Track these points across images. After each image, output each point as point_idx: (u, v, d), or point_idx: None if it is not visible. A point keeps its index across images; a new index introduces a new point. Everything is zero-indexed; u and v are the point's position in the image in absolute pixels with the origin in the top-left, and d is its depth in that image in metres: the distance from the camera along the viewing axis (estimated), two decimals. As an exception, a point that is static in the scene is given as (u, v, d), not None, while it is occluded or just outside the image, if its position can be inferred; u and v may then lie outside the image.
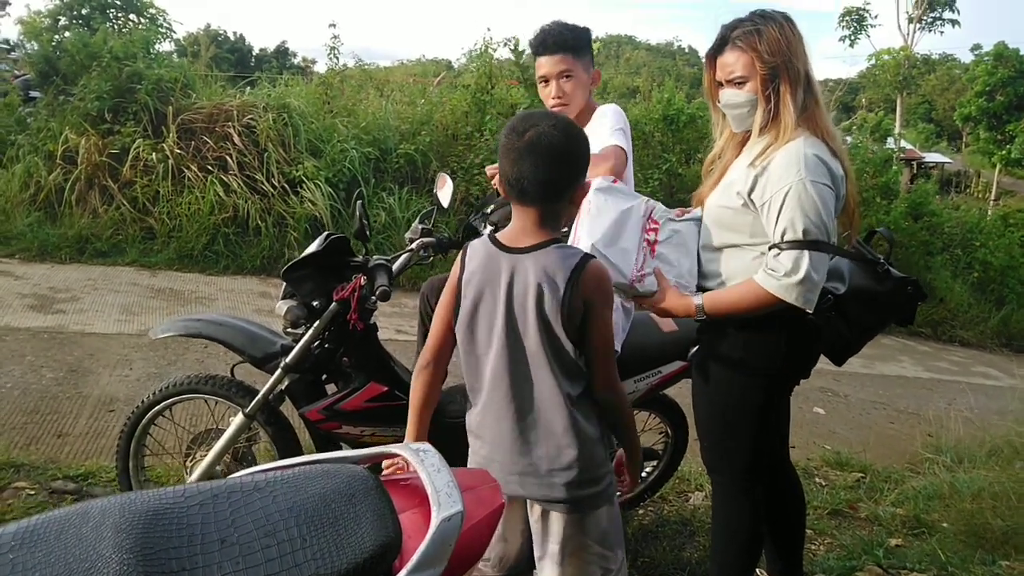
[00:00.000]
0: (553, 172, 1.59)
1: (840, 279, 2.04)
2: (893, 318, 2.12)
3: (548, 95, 2.47)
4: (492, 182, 2.34)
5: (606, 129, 2.37)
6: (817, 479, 3.89)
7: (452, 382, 2.75)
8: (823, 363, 2.12)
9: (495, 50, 9.37)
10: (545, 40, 2.43)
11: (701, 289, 2.01)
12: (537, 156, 1.57)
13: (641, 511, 3.13)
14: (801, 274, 1.79)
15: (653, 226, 1.99)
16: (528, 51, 2.52)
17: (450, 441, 2.50)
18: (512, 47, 9.26)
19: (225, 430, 2.42)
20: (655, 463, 3.03)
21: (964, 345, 9.03)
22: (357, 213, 2.41)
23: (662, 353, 2.61)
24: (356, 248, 2.47)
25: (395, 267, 2.39)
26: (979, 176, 31.44)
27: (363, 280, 2.25)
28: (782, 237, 1.83)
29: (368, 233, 2.40)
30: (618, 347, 2.46)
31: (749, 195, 1.90)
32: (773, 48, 1.86)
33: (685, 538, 2.96)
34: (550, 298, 1.58)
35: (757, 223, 1.92)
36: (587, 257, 1.62)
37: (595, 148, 2.30)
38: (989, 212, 16.99)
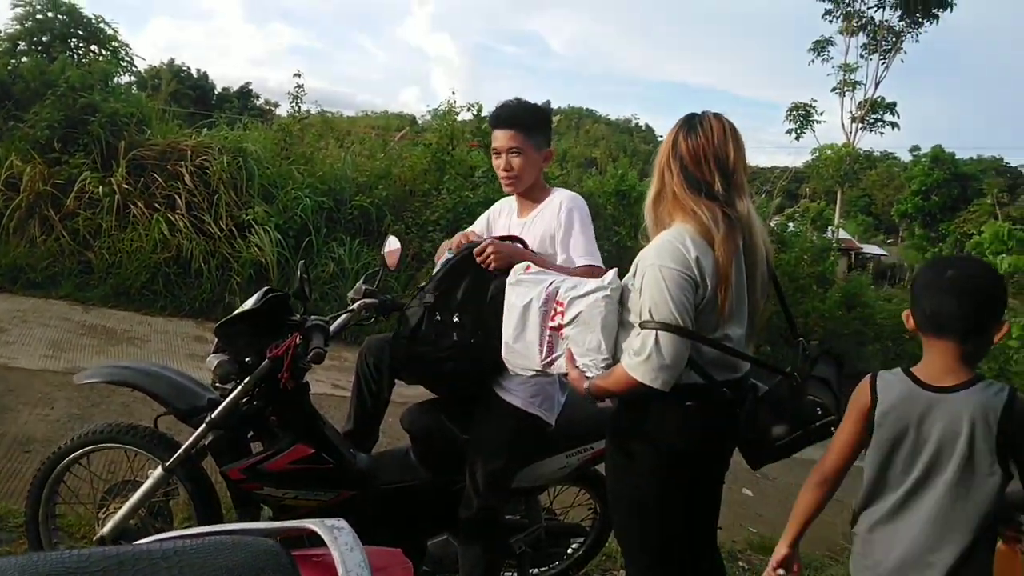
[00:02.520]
0: (980, 310, 1.68)
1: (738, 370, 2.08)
2: (796, 442, 1.98)
3: (498, 167, 2.50)
4: (487, 253, 2.31)
5: (586, 239, 2.39)
6: (740, 562, 3.93)
7: (385, 445, 2.74)
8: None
9: (459, 112, 9.59)
10: (500, 114, 2.48)
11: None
12: (963, 294, 1.68)
13: (565, 588, 3.10)
14: (646, 354, 1.86)
15: (559, 309, 2.03)
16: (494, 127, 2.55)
17: (381, 508, 2.49)
18: (475, 112, 9.49)
19: (143, 483, 2.35)
20: (581, 540, 3.02)
21: (890, 434, 9.28)
22: (299, 274, 2.40)
23: (596, 428, 2.63)
24: (294, 306, 2.46)
25: (333, 327, 2.39)
26: (912, 270, 32.87)
27: (298, 339, 2.24)
28: (640, 317, 1.92)
29: (308, 293, 2.40)
30: (552, 421, 2.48)
31: (632, 278, 2.01)
32: (657, 155, 2.09)
33: (606, 618, 2.94)
34: (984, 437, 1.64)
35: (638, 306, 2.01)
36: (1012, 391, 1.69)
37: (573, 249, 2.38)
38: (919, 306, 17.64)
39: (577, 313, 1.99)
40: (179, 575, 1.01)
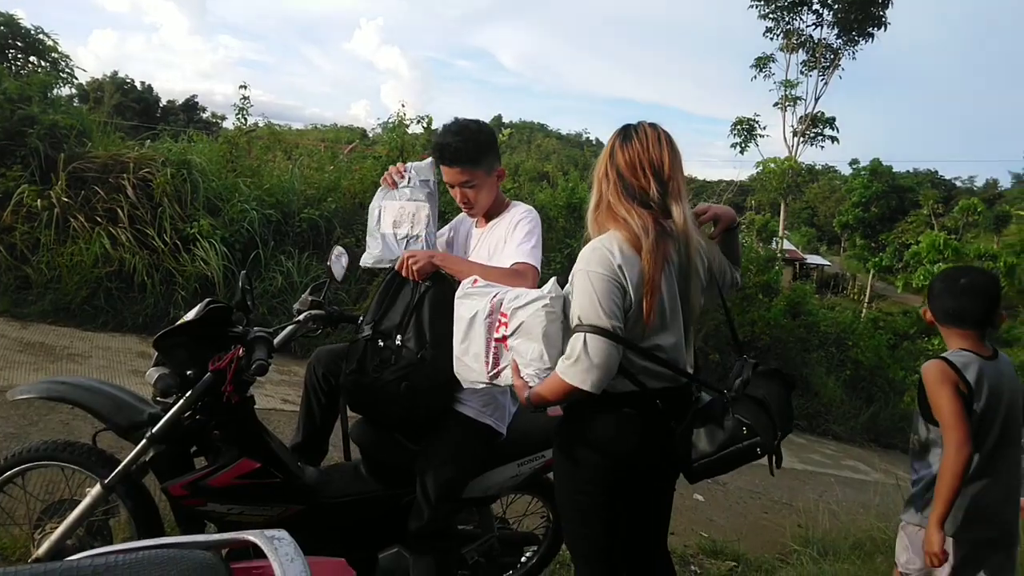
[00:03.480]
0: (989, 307, 2.35)
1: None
2: (729, 459, 1.98)
3: (456, 198, 2.51)
4: (407, 265, 2.34)
5: (523, 240, 2.38)
6: (692, 567, 3.97)
7: (332, 461, 2.70)
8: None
9: (408, 125, 9.56)
10: (443, 153, 2.44)
11: None
12: (975, 296, 2.37)
13: (518, 597, 3.09)
14: (575, 356, 1.89)
15: (503, 319, 2.03)
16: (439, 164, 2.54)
17: (331, 521, 2.45)
18: (426, 125, 9.48)
19: (81, 501, 2.27)
20: (535, 548, 3.02)
21: (836, 438, 9.54)
22: (241, 285, 2.36)
23: (547, 437, 2.64)
24: (237, 318, 2.41)
25: (278, 339, 2.35)
26: (855, 279, 33.92)
27: (241, 351, 2.20)
28: (571, 323, 1.96)
29: (251, 304, 2.36)
30: (503, 431, 2.48)
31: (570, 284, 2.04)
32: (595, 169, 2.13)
33: (559, 627, 2.93)
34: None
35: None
36: None
37: (506, 252, 2.38)
38: (863, 314, 18.29)
39: (520, 323, 1.99)
40: (112, 591, 0.98)
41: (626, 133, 2.08)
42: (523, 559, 3.02)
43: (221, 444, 2.29)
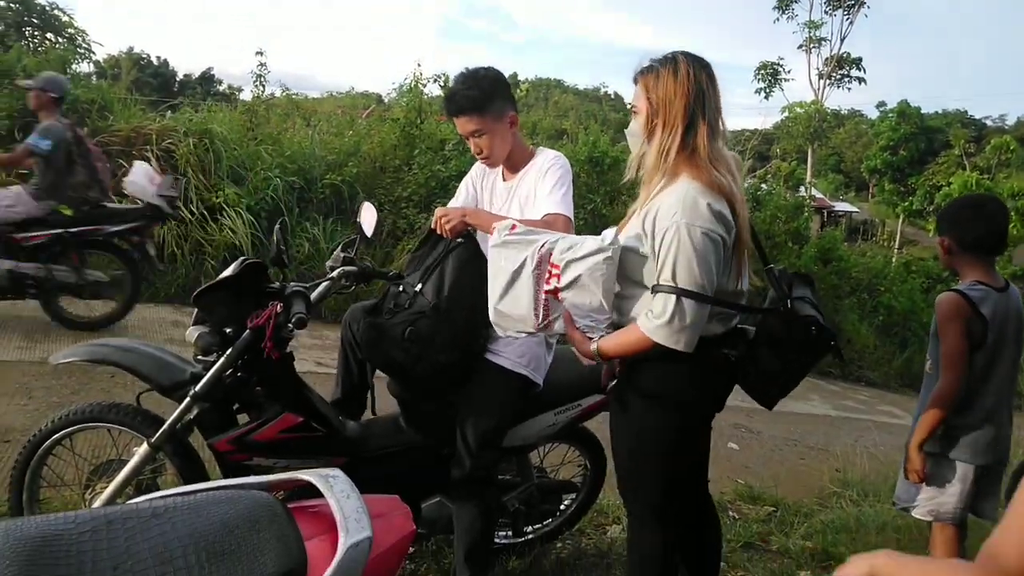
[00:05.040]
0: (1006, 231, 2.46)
1: (752, 319, 2.10)
2: (807, 361, 2.09)
3: (472, 150, 2.47)
4: (440, 224, 2.32)
5: (552, 189, 2.33)
6: (731, 512, 3.98)
7: (370, 416, 2.73)
8: (735, 400, 2.18)
9: (425, 85, 9.47)
10: (450, 105, 2.40)
11: (616, 325, 2.04)
12: (997, 221, 2.43)
13: (559, 544, 3.12)
14: (667, 316, 1.84)
15: (554, 271, 1.95)
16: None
17: (373, 472, 2.47)
18: (442, 83, 9.38)
19: (128, 461, 2.31)
20: (573, 496, 3.04)
21: (870, 385, 9.47)
22: (275, 238, 2.36)
23: (582, 387, 2.64)
24: (273, 275, 2.42)
25: (314, 296, 2.35)
26: (884, 225, 33.32)
27: (279, 307, 2.20)
28: (659, 279, 1.89)
29: (286, 259, 2.36)
30: (540, 381, 2.48)
31: (644, 238, 1.95)
32: (660, 90, 1.94)
33: (602, 570, 2.96)
34: None
35: (652, 265, 1.96)
36: None
37: (538, 202, 2.33)
38: (893, 260, 18.02)
39: (576, 276, 1.92)
40: (172, 531, 1.00)
41: (709, 69, 1.96)
42: (562, 507, 3.04)
43: (263, 400, 2.32)
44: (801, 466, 5.38)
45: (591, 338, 2.01)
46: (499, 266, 2.02)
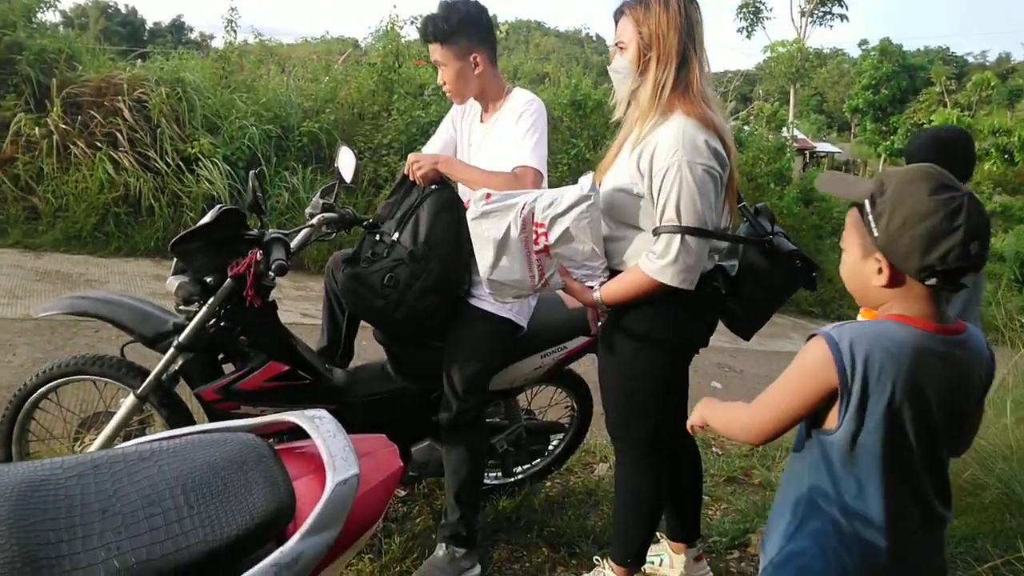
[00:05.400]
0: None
1: (735, 255, 2.11)
2: (789, 291, 2.17)
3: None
4: (412, 170, 2.31)
5: (523, 137, 2.28)
6: (714, 448, 4.07)
7: (357, 363, 2.73)
8: (719, 340, 2.20)
9: (401, 28, 9.26)
10: (423, 28, 2.37)
11: (612, 270, 2.05)
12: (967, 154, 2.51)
13: (548, 483, 3.19)
14: (672, 255, 1.85)
15: (540, 230, 1.94)
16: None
17: (361, 419, 2.49)
18: (419, 26, 9.17)
19: (116, 413, 2.31)
20: (561, 436, 3.09)
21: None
22: (250, 184, 2.32)
23: (568, 329, 2.65)
24: (252, 222, 2.39)
25: (294, 243, 2.32)
26: (866, 165, 33.32)
27: (259, 255, 2.18)
28: (660, 219, 1.89)
29: (263, 206, 2.32)
30: (525, 325, 2.49)
31: (639, 178, 1.94)
32: (652, 22, 1.90)
33: (590, 507, 3.03)
34: None
35: (648, 205, 1.95)
36: None
37: (508, 151, 2.29)
38: (873, 198, 18.02)
39: (563, 230, 1.92)
40: (159, 473, 1.00)
41: (696, 2, 1.94)
42: (550, 447, 3.09)
43: (248, 349, 2.31)
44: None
45: (591, 287, 2.01)
46: (483, 237, 2.00)
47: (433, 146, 2.65)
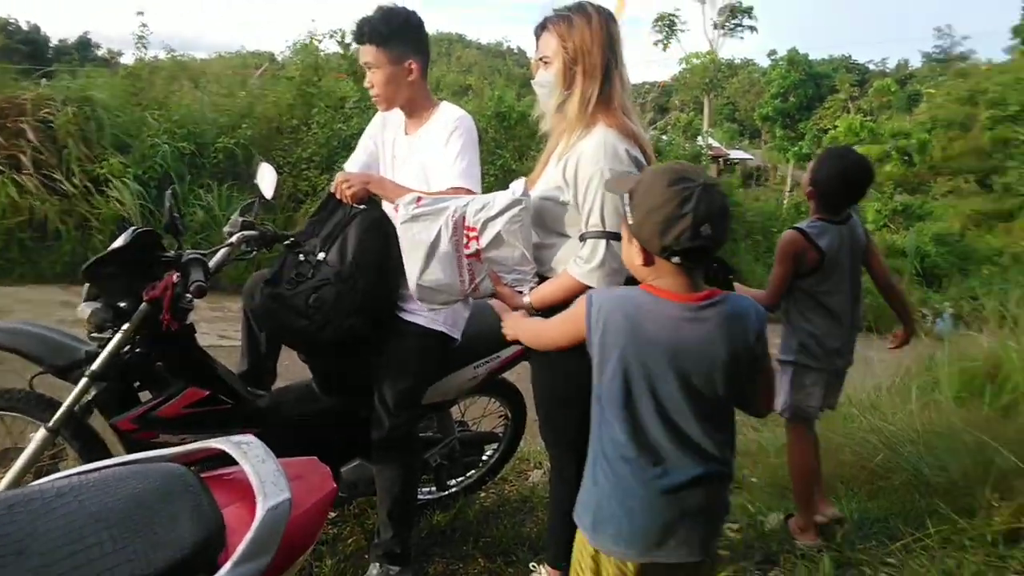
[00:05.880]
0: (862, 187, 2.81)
1: None
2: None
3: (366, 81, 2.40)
4: (341, 189, 2.26)
5: (456, 159, 2.27)
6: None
7: (281, 384, 2.68)
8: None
9: (320, 41, 9.15)
10: (356, 29, 2.34)
11: (541, 276, 2.07)
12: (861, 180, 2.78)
13: (483, 494, 3.18)
14: (598, 259, 1.90)
15: (471, 234, 1.96)
16: (355, 44, 2.42)
17: (288, 441, 2.43)
18: (339, 39, 9.08)
19: (25, 448, 2.19)
20: (495, 446, 3.09)
21: (768, 321, 9.95)
22: (166, 205, 2.25)
23: (500, 338, 2.65)
24: (168, 244, 2.31)
25: (212, 263, 2.26)
26: (776, 170, 34.69)
27: (176, 277, 2.11)
28: (586, 225, 1.94)
29: (180, 226, 2.25)
30: (458, 336, 2.48)
31: (565, 187, 1.99)
32: (576, 38, 1.97)
33: (525, 514, 3.04)
34: None
35: (574, 213, 2.00)
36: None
37: (440, 172, 2.27)
38: (784, 202, 18.88)
39: (495, 234, 1.93)
40: (79, 509, 0.96)
41: (614, 19, 2.00)
42: (484, 457, 3.09)
43: (166, 375, 2.23)
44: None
45: (521, 292, 2.03)
46: (413, 241, 2.00)
47: (355, 163, 2.62)
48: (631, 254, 1.56)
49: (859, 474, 3.41)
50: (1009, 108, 24.85)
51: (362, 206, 2.29)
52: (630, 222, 1.52)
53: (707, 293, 1.52)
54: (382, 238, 2.25)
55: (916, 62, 54.89)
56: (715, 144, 24.09)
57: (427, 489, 2.96)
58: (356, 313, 2.24)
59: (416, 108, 2.41)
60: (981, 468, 3.04)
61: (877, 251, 2.95)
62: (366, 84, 2.38)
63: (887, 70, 51.28)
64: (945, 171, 32.88)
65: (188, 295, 2.08)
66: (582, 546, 1.65)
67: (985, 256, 20.96)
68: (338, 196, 2.29)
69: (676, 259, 1.47)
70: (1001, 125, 25.26)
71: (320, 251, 2.29)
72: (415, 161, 2.40)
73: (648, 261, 1.52)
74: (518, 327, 1.90)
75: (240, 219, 2.48)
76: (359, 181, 2.26)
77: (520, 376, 2.64)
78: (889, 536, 2.83)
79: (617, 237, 1.89)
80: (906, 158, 22.95)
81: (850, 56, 45.93)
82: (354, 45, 2.42)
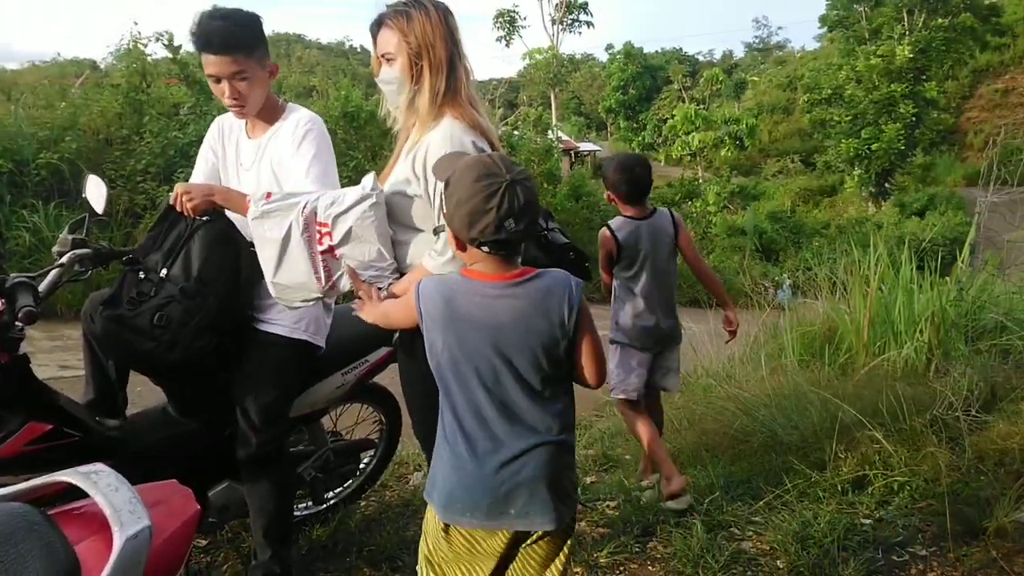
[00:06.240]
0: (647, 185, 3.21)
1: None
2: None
3: (222, 94, 2.21)
4: (181, 202, 2.09)
5: (311, 164, 2.17)
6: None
7: (134, 411, 2.49)
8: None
9: (146, 45, 8.58)
10: (210, 39, 2.13)
11: (400, 271, 2.04)
12: (641, 179, 3.17)
13: (363, 503, 3.11)
14: (450, 253, 1.87)
15: (324, 231, 1.91)
16: (185, 46, 2.26)
17: (147, 469, 2.26)
18: (166, 42, 8.54)
19: None
20: (372, 453, 3.03)
21: (627, 304, 10.43)
22: None
23: (367, 342, 2.60)
24: (-11, 269, 2.09)
25: (42, 286, 2.06)
26: (621, 160, 36.20)
27: (1, 304, 1.91)
28: (439, 218, 1.93)
29: (2, 250, 2.05)
30: (322, 344, 2.40)
31: (414, 179, 1.97)
32: (418, 31, 1.95)
33: (408, 518, 3.00)
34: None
35: (426, 207, 1.98)
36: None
37: (295, 177, 2.18)
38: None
39: (347, 229, 1.88)
40: (-100, 569, 0.85)
41: (451, 12, 2.00)
42: (362, 465, 3.03)
43: (1, 413, 2.02)
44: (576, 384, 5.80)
45: (380, 288, 1.99)
46: (264, 239, 1.93)
47: (197, 177, 2.46)
48: (449, 240, 1.66)
49: (721, 441, 3.64)
50: (823, 92, 27.25)
51: (205, 218, 2.16)
52: (444, 211, 1.61)
53: (520, 271, 1.59)
54: (230, 249, 2.14)
55: (740, 52, 59.16)
56: (565, 137, 24.82)
57: (303, 504, 2.86)
58: (207, 331, 2.12)
59: (265, 109, 2.29)
60: (827, 423, 3.32)
61: (688, 242, 3.25)
62: (227, 93, 2.18)
63: (714, 60, 54.87)
64: (773, 153, 35.74)
65: (17, 323, 1.89)
66: (434, 523, 1.69)
67: (814, 229, 22.96)
68: (178, 208, 2.12)
69: (486, 248, 1.54)
70: (817, 108, 27.71)
71: (162, 267, 2.14)
72: (264, 165, 2.29)
73: (461, 247, 1.60)
74: (369, 310, 1.92)
75: (70, 237, 2.26)
76: (201, 193, 2.09)
77: (392, 380, 2.60)
78: (753, 496, 3.04)
79: None
80: (738, 142, 24.64)
81: (681, 48, 48.75)
82: (203, 55, 2.22)
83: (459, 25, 2.04)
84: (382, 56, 2.03)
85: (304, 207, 1.91)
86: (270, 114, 2.31)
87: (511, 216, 1.48)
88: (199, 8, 2.22)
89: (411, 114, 2.06)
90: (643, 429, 3.10)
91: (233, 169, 2.38)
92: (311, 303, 2.06)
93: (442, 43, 1.96)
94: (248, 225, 2.00)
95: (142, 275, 2.15)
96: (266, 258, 1.95)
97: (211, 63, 2.16)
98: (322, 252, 1.92)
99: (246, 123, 2.36)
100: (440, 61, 1.96)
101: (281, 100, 2.38)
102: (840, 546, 2.59)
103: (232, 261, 2.13)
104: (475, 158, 1.61)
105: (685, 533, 2.71)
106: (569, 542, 1.72)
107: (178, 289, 2.10)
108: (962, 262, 5.30)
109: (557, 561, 1.70)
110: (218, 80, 2.18)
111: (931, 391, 3.52)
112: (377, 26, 2.03)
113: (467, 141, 1.93)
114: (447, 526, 1.65)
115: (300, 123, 2.25)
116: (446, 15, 1.99)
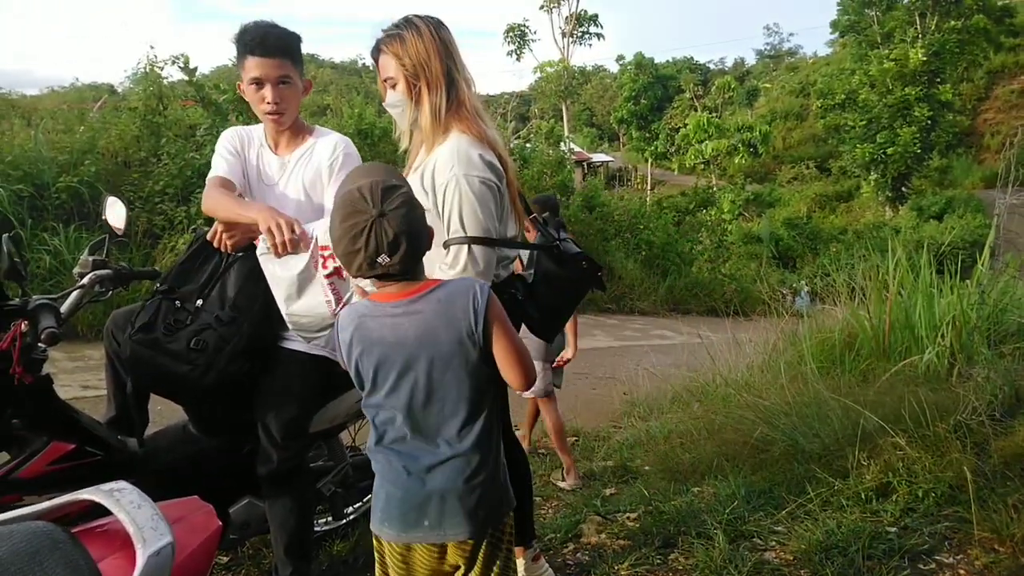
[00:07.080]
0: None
1: (530, 265, 2.23)
2: (581, 293, 2.32)
3: (261, 100, 2.22)
4: (221, 238, 2.16)
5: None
6: (540, 451, 4.20)
7: (154, 429, 2.51)
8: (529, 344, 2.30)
9: (162, 68, 8.70)
10: (265, 40, 2.17)
11: None
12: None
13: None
14: (461, 264, 1.92)
15: (326, 254, 1.95)
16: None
17: (168, 487, 2.28)
18: (182, 65, 8.66)
19: None
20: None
21: (642, 314, 10.40)
22: (4, 249, 2.06)
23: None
24: (11, 291, 2.12)
25: (64, 307, 2.09)
26: (636, 170, 36.23)
27: (24, 325, 1.94)
28: (448, 232, 1.96)
29: (23, 271, 2.07)
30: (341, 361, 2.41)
31: (424, 195, 1.98)
32: (411, 52, 1.98)
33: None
34: None
35: (435, 221, 1.97)
36: None
37: (316, 179, 2.24)
38: (647, 200, 19.75)
39: None
40: (-72, 587, 0.86)
41: (444, 25, 2.02)
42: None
43: (24, 432, 2.04)
44: (594, 395, 5.80)
45: None
46: (277, 274, 1.99)
47: (218, 170, 2.47)
48: None
49: (742, 450, 3.60)
50: (836, 97, 27.12)
51: (239, 252, 2.20)
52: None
53: (423, 286, 1.57)
54: (263, 281, 2.17)
55: (751, 59, 59.02)
56: (577, 149, 24.86)
57: (323, 520, 2.86)
58: (241, 356, 2.17)
59: (291, 128, 2.33)
60: (849, 431, 3.28)
61: None
62: (268, 98, 2.21)
63: (726, 68, 54.78)
64: (787, 159, 35.56)
65: (40, 344, 1.92)
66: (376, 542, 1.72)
67: (831, 235, 22.82)
68: (216, 245, 2.18)
69: (372, 278, 1.56)
70: (831, 113, 27.58)
71: (197, 298, 2.19)
72: (293, 183, 2.32)
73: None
74: None
75: (91, 258, 2.30)
76: (241, 229, 2.14)
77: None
78: (775, 505, 3.00)
79: (479, 241, 1.93)
80: (752, 149, 24.56)
81: (692, 57, 48.72)
82: (250, 58, 2.24)
83: (453, 39, 2.05)
84: (385, 81, 2.07)
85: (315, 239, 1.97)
86: (297, 132, 2.35)
87: (380, 253, 1.46)
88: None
89: (418, 133, 2.09)
90: (559, 422, 3.75)
91: (255, 181, 2.39)
92: (327, 330, 2.08)
93: (437, 58, 1.98)
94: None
95: (178, 304, 2.18)
96: (279, 292, 2.01)
97: (259, 65, 2.18)
98: (328, 276, 1.95)
99: (267, 138, 2.38)
100: (437, 77, 1.98)
101: (307, 123, 2.41)
102: (865, 555, 2.55)
103: (265, 291, 2.16)
104: (344, 194, 1.53)
105: (707, 544, 2.68)
106: (502, 554, 1.68)
107: (213, 317, 2.15)
108: (982, 265, 5.24)
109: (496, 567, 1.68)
110: (260, 85, 2.20)
111: (954, 396, 3.47)
112: (377, 52, 2.06)
113: (474, 155, 1.94)
114: (380, 542, 1.67)
115: (338, 147, 2.29)
116: (438, 29, 2.01)
